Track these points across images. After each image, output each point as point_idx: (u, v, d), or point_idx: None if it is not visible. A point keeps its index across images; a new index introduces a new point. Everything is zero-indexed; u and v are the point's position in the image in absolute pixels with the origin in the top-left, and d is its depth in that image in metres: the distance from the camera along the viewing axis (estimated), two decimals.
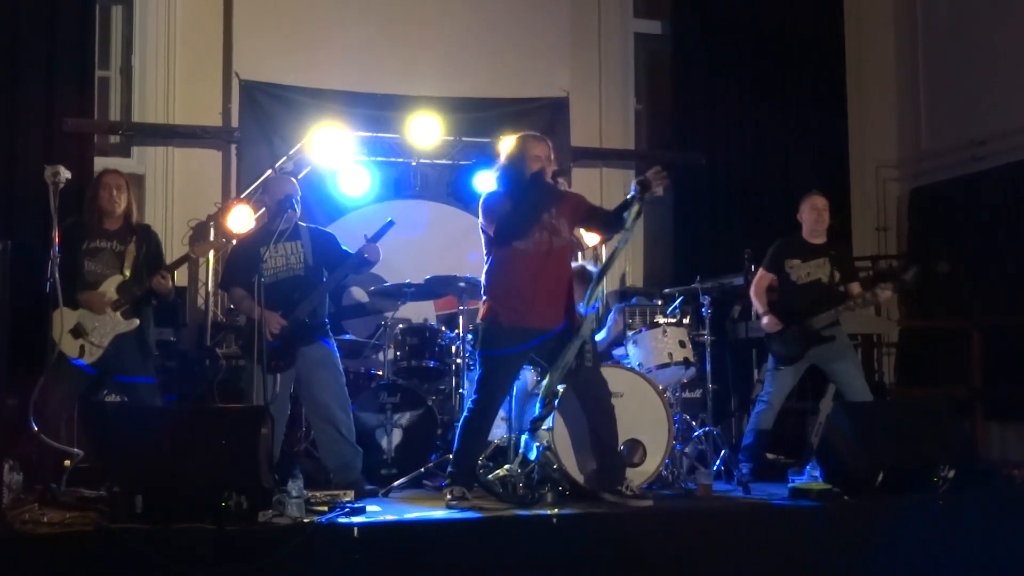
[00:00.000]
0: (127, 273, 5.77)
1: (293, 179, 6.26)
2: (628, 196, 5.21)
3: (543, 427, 5.47)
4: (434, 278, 6.67)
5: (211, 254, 7.45)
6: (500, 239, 5.32)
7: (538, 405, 5.32)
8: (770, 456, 6.68)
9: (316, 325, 5.81)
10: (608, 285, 8.30)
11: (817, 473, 5.67)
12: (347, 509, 4.81)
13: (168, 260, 5.99)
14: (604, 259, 5.53)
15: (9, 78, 7.44)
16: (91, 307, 5.61)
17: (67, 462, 5.39)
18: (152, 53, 8.23)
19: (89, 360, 5.65)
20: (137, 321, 5.77)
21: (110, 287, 5.73)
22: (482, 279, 5.51)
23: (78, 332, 5.61)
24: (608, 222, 5.47)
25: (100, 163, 7.76)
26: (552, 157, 5.48)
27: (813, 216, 6.61)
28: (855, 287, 6.52)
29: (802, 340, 6.44)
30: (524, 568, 4.63)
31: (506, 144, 5.53)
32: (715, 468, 6.30)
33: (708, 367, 6.52)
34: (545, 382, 5.30)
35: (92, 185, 5.90)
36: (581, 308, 5.37)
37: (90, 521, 4.46)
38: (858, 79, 9.62)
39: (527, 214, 5.29)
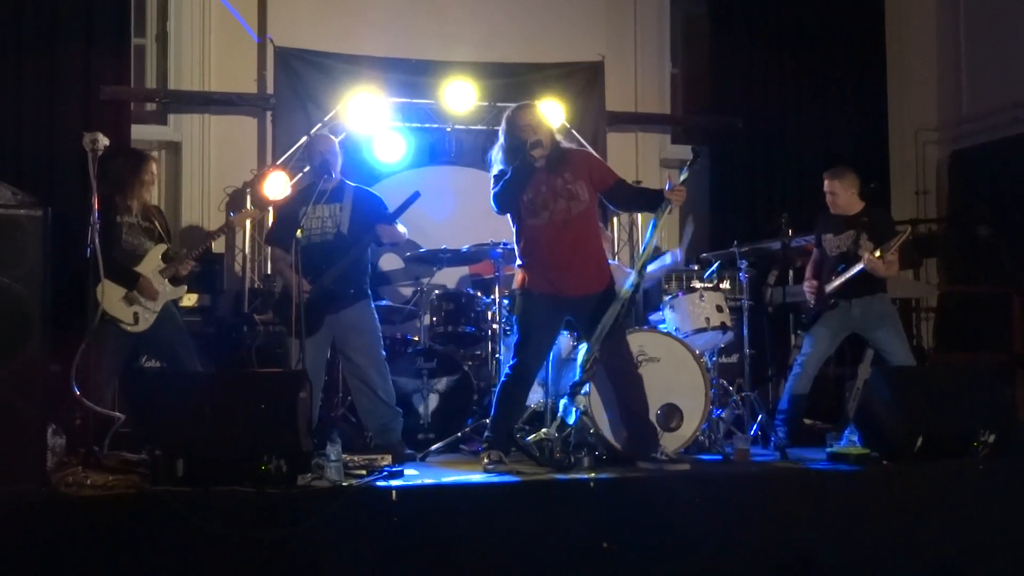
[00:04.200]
0: (167, 243, 5.88)
1: (332, 137, 6.25)
2: (663, 189, 5.22)
3: (581, 391, 5.48)
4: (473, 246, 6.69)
5: (248, 223, 7.48)
6: (500, 211, 5.34)
7: (578, 370, 5.31)
8: (808, 421, 6.65)
9: (345, 292, 5.76)
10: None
11: (855, 438, 5.65)
12: (385, 473, 4.84)
13: (202, 227, 6.06)
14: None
15: (47, 46, 7.49)
16: (145, 295, 5.68)
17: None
18: (187, 20, 8.24)
19: (143, 327, 5.73)
20: (185, 287, 5.93)
21: (155, 256, 5.82)
22: (516, 247, 5.52)
23: (131, 299, 5.68)
24: (632, 203, 5.43)
25: (137, 131, 7.85)
26: (542, 122, 5.37)
27: (827, 198, 6.59)
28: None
29: (813, 307, 6.49)
30: (561, 532, 4.63)
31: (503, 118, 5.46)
32: (752, 433, 6.28)
33: (745, 332, 6.50)
34: (585, 347, 5.30)
35: (132, 166, 5.92)
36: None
37: (132, 484, 4.52)
38: (898, 41, 9.48)
39: (515, 192, 5.26)
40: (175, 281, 5.85)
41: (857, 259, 6.31)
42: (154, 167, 6.03)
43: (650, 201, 5.39)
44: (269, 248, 6.78)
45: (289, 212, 5.82)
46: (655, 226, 5.29)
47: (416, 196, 5.77)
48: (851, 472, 5.30)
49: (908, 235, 6.29)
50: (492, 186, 5.40)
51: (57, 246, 4.86)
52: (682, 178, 5.33)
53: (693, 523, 4.80)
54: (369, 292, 5.93)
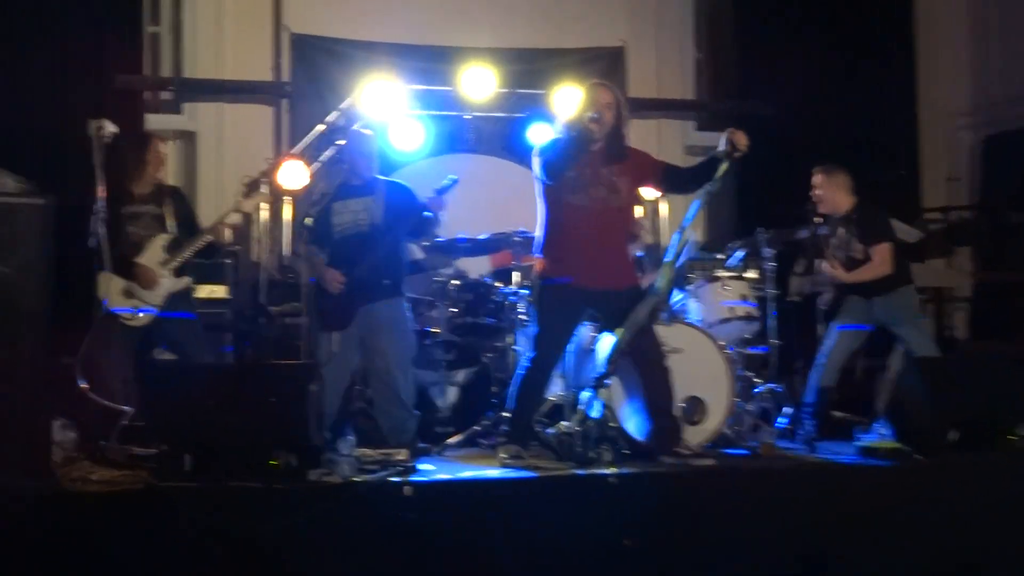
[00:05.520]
0: (172, 231, 5.74)
1: (368, 132, 6.13)
2: (717, 151, 5.02)
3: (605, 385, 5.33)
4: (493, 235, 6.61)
5: (263, 207, 7.37)
6: (548, 178, 5.14)
7: (604, 363, 5.14)
8: (837, 414, 6.48)
9: (377, 284, 5.68)
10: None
11: (886, 431, 5.47)
12: (400, 468, 4.72)
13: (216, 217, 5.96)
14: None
15: (59, 34, 7.38)
16: (142, 283, 5.59)
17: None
18: (202, 8, 8.17)
19: (144, 321, 5.63)
20: (188, 279, 5.81)
21: (157, 246, 5.69)
22: (536, 234, 5.36)
23: (130, 292, 5.57)
24: (689, 181, 5.24)
25: (152, 120, 7.77)
26: (618, 104, 5.24)
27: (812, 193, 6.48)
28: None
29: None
30: (581, 529, 4.49)
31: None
32: (779, 426, 6.12)
33: (771, 322, 6.32)
34: (615, 340, 5.11)
35: (135, 149, 5.83)
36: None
37: (139, 479, 4.39)
38: (928, 22, 9.26)
39: (574, 157, 5.09)
40: (179, 272, 5.73)
41: (850, 262, 6.23)
42: (161, 148, 5.91)
43: (707, 166, 5.17)
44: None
45: (324, 210, 5.83)
46: (709, 192, 5.07)
47: (455, 182, 5.75)
48: (882, 467, 5.15)
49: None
50: (539, 153, 5.22)
51: (67, 236, 4.77)
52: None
53: (717, 520, 4.66)
54: (403, 291, 5.85)
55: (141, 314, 5.61)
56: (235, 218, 6.01)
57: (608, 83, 5.48)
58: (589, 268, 5.16)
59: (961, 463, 5.11)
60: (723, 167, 5.00)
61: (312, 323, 5.70)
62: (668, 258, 5.17)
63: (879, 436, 5.50)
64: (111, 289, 5.45)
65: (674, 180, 5.38)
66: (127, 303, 5.58)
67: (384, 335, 5.68)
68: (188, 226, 5.86)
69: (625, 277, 5.27)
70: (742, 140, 5.00)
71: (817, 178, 6.45)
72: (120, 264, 5.50)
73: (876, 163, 8.29)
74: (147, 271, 5.61)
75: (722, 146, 5.01)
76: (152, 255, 5.68)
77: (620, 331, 5.06)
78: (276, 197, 6.94)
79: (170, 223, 5.77)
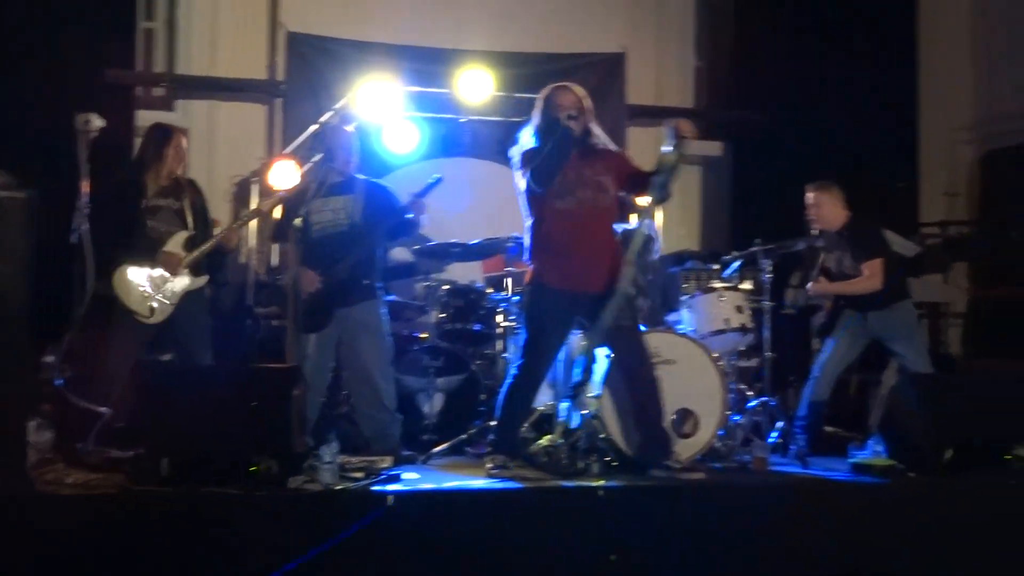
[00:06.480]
0: (192, 229, 5.62)
1: (348, 129, 6.04)
2: (665, 150, 4.92)
3: (591, 394, 5.24)
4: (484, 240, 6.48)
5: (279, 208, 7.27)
6: (539, 186, 5.04)
7: (578, 370, 5.06)
8: (830, 430, 6.40)
9: (356, 285, 5.59)
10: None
11: (880, 448, 5.39)
12: (383, 476, 4.62)
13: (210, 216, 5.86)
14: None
15: (52, 27, 7.25)
16: (166, 267, 5.46)
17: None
18: (198, 4, 8.12)
19: (160, 318, 5.48)
20: (207, 277, 5.67)
21: (177, 243, 5.56)
22: (525, 241, 5.27)
23: (147, 291, 5.44)
24: (648, 182, 5.13)
25: (144, 116, 7.63)
26: (584, 107, 5.16)
27: (810, 211, 6.37)
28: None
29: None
30: (567, 543, 4.40)
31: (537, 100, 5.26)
32: (772, 441, 6.03)
33: (766, 334, 6.24)
34: (584, 344, 5.03)
35: (155, 142, 5.68)
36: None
37: (115, 483, 4.30)
38: (931, 34, 9.14)
39: (557, 163, 4.99)
40: (196, 270, 5.60)
41: (844, 277, 6.19)
42: (183, 142, 5.73)
43: (658, 166, 5.03)
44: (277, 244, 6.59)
45: (297, 206, 5.66)
46: (662, 185, 4.96)
47: (438, 181, 5.67)
48: (875, 484, 5.07)
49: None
50: (521, 165, 5.14)
51: (56, 231, 4.65)
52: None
53: (707, 536, 4.56)
54: (379, 293, 5.75)
55: (156, 312, 5.48)
56: (251, 220, 5.89)
57: (567, 84, 5.34)
58: (579, 273, 5.07)
59: (955, 482, 5.02)
60: (669, 157, 4.90)
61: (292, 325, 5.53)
62: (628, 256, 5.09)
63: (873, 453, 5.43)
64: (127, 286, 5.34)
65: (638, 181, 5.22)
66: (144, 303, 5.44)
67: (364, 338, 5.58)
68: (202, 220, 5.73)
69: (614, 279, 5.11)
70: (685, 126, 4.90)
71: (816, 195, 6.35)
72: (140, 257, 5.40)
73: (875, 175, 8.21)
74: (171, 256, 5.45)
75: (668, 137, 4.91)
76: (172, 250, 5.55)
77: (589, 335, 4.98)
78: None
79: (189, 218, 5.63)
